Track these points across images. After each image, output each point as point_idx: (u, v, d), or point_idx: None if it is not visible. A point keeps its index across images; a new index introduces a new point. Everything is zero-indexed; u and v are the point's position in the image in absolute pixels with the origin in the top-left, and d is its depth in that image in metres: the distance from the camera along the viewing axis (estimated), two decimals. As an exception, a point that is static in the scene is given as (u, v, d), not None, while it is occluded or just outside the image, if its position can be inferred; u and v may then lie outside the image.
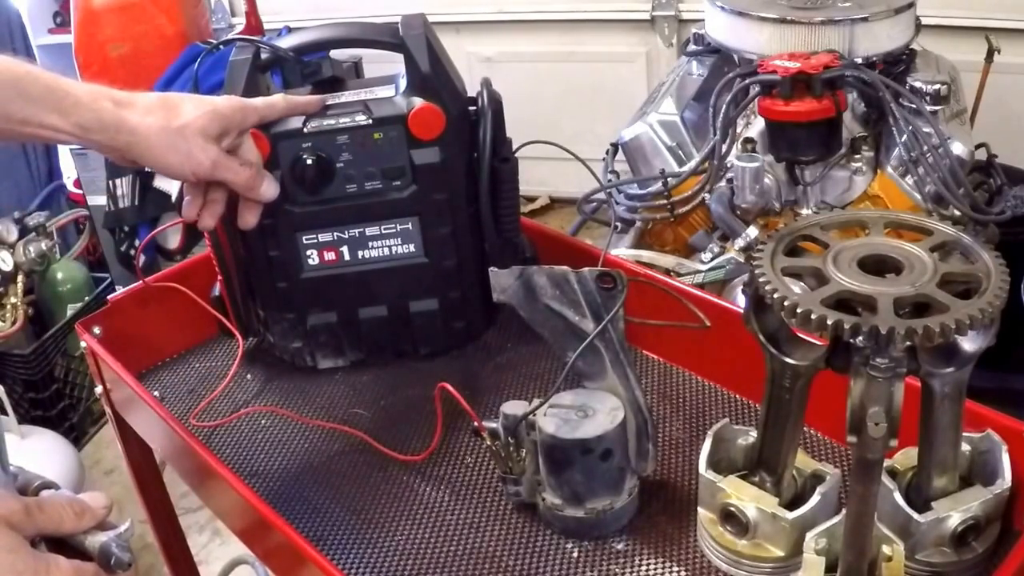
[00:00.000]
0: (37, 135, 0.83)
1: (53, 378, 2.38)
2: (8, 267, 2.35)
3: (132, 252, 2.54)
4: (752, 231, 1.75)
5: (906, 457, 0.78)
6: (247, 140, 0.95)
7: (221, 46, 1.12)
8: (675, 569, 0.81)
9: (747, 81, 1.70)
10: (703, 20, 2.03)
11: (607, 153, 2.14)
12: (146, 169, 2.56)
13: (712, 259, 1.80)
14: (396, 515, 0.90)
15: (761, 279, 0.65)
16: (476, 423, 0.85)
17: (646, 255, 1.83)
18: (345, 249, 1.06)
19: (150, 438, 1.12)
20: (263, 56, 1.04)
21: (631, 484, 0.85)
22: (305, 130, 1.01)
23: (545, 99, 3.09)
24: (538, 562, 0.83)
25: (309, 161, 1.01)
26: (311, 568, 0.78)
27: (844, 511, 0.67)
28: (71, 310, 2.45)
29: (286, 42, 1.06)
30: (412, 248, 1.06)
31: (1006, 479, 0.74)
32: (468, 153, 1.05)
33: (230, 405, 1.08)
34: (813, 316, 0.60)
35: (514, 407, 0.84)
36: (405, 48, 1.02)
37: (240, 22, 3.17)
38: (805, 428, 0.91)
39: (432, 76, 1.02)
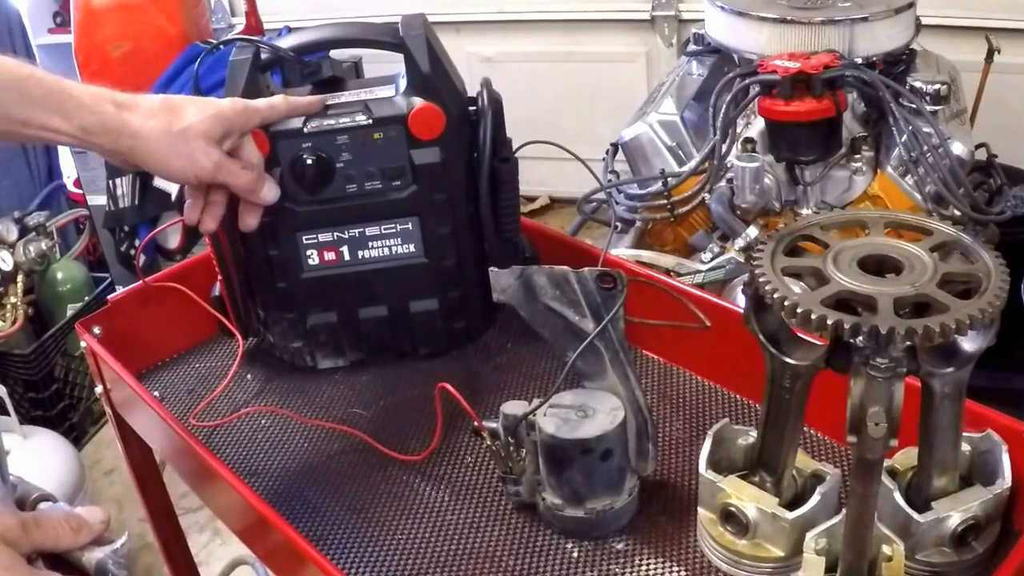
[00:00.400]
0: (39, 137, 0.83)
1: (53, 378, 2.38)
2: (8, 267, 2.35)
3: (132, 252, 2.54)
4: (752, 231, 1.75)
5: (906, 457, 0.78)
6: (248, 142, 0.95)
7: (221, 46, 1.12)
8: (675, 569, 0.81)
9: (747, 81, 1.70)
10: (703, 20, 2.03)
11: (607, 153, 2.14)
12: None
13: (712, 259, 1.80)
14: (396, 515, 0.90)
15: (761, 279, 0.65)
16: (476, 423, 0.85)
17: (646, 255, 1.83)
18: (345, 249, 1.06)
19: (150, 438, 1.12)
20: (263, 56, 1.04)
21: (631, 484, 0.85)
22: (305, 130, 1.01)
23: (545, 99, 3.09)
24: (538, 562, 0.83)
25: (309, 161, 1.01)
26: (311, 568, 0.78)
27: (844, 511, 0.67)
28: (71, 310, 2.45)
29: (286, 42, 1.06)
30: (412, 248, 1.06)
31: (1006, 479, 0.74)
32: (468, 153, 1.05)
33: (230, 405, 1.08)
34: (813, 316, 0.60)
35: (514, 407, 0.84)
36: (405, 48, 1.02)
37: (240, 22, 3.17)
38: (805, 428, 0.91)
39: (432, 76, 1.02)
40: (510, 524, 0.87)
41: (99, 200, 2.68)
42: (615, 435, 0.82)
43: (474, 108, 1.04)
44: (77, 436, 2.46)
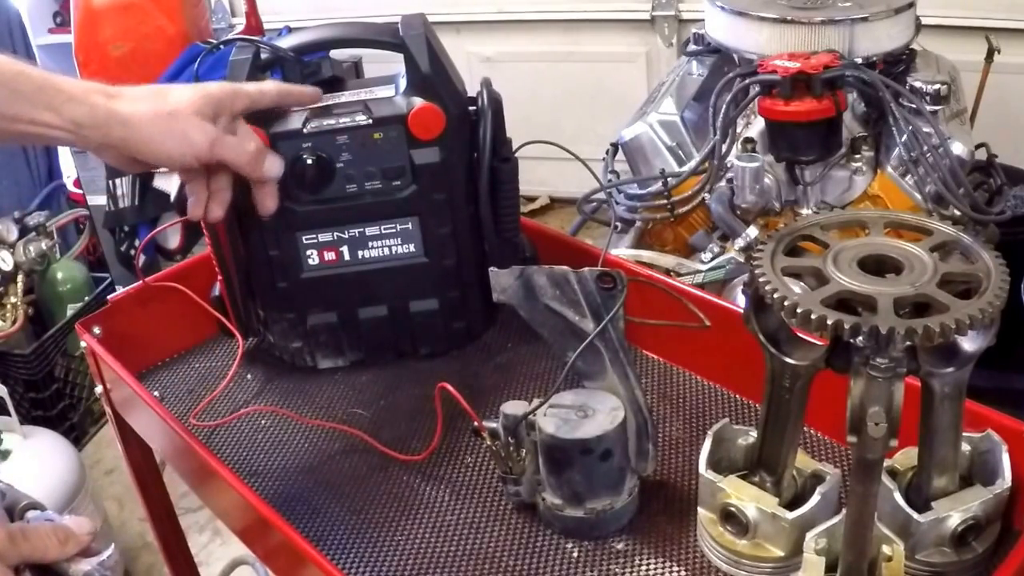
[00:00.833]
0: (28, 132, 0.81)
1: (53, 378, 2.38)
2: (8, 267, 2.35)
3: (132, 252, 2.54)
4: (752, 231, 1.75)
5: (906, 457, 0.78)
6: (242, 124, 0.94)
7: (221, 46, 1.12)
8: (675, 569, 0.81)
9: (747, 81, 1.70)
10: (703, 20, 2.03)
11: (607, 153, 2.14)
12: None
13: (712, 259, 1.80)
14: (396, 515, 0.90)
15: (761, 279, 0.65)
16: (476, 423, 0.85)
17: (646, 255, 1.83)
18: (345, 249, 1.06)
19: (150, 438, 1.12)
20: (263, 56, 1.04)
21: (631, 484, 0.85)
22: (305, 130, 1.01)
23: (545, 99, 3.09)
24: (538, 562, 0.83)
25: (309, 161, 1.01)
26: (311, 568, 0.78)
27: (844, 511, 0.67)
28: (71, 310, 2.45)
29: (286, 42, 1.06)
30: (412, 248, 1.06)
31: (1006, 479, 0.74)
32: (468, 153, 1.05)
33: (230, 405, 1.08)
34: (813, 316, 0.60)
35: (514, 407, 0.84)
36: (405, 48, 1.02)
37: (240, 22, 3.17)
38: (805, 428, 0.91)
39: (432, 76, 1.02)
40: (510, 524, 0.87)
41: (99, 200, 2.68)
42: (615, 435, 0.82)
43: (474, 108, 1.04)
44: (77, 436, 2.46)
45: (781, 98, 1.64)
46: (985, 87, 2.12)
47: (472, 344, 1.13)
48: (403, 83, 1.04)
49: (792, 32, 1.77)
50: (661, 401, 1.01)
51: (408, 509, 0.90)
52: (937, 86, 1.73)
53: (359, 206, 1.04)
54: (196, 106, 0.87)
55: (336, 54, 1.11)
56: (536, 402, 0.83)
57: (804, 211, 1.79)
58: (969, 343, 0.67)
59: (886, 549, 0.68)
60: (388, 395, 1.07)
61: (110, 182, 2.53)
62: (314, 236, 1.05)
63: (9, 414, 1.97)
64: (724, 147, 1.76)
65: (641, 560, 0.82)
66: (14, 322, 2.30)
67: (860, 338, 0.59)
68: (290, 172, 1.02)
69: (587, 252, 1.12)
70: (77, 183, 2.87)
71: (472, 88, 1.06)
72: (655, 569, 0.81)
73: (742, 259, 1.74)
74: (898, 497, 0.73)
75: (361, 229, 1.05)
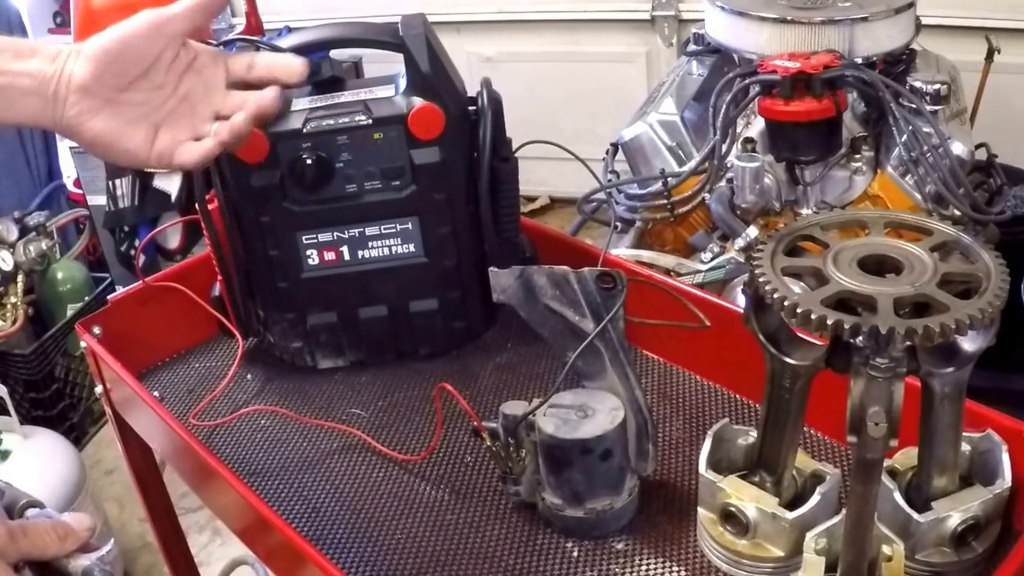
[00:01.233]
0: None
1: (53, 378, 2.38)
2: (8, 267, 2.35)
3: (132, 252, 2.54)
4: (752, 231, 1.75)
5: (906, 457, 0.78)
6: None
7: (221, 46, 1.11)
8: (675, 569, 0.81)
9: (747, 81, 1.70)
10: (703, 20, 2.03)
11: (607, 153, 2.14)
12: (146, 168, 2.55)
13: (712, 259, 1.80)
14: (396, 514, 0.90)
15: (761, 279, 0.65)
16: (476, 423, 0.85)
17: (646, 255, 1.83)
18: (345, 249, 1.06)
19: (150, 438, 1.12)
20: (263, 56, 1.04)
21: (631, 484, 0.85)
22: (305, 130, 1.01)
23: (545, 99, 3.09)
24: (538, 562, 0.83)
25: (309, 161, 1.01)
26: (311, 568, 0.78)
27: (844, 511, 0.67)
28: (71, 310, 2.45)
29: (286, 42, 1.06)
30: (412, 248, 1.06)
31: (1006, 479, 0.74)
32: (468, 153, 1.05)
33: (230, 405, 1.08)
34: (813, 316, 0.60)
35: (514, 407, 0.84)
36: (405, 48, 1.02)
37: (240, 22, 3.16)
38: (805, 428, 0.91)
39: (432, 76, 1.02)
40: (510, 524, 0.87)
41: (99, 200, 2.68)
42: (615, 435, 0.82)
43: (474, 108, 1.04)
44: (77, 436, 2.46)
45: (781, 98, 1.64)
46: (985, 87, 2.12)
47: (472, 344, 1.13)
48: (403, 83, 1.04)
49: (792, 32, 1.77)
50: (661, 401, 1.01)
51: (408, 509, 0.90)
52: (937, 86, 1.73)
53: (359, 206, 1.04)
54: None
55: (336, 54, 1.11)
56: (536, 402, 0.83)
57: (804, 211, 1.79)
58: (969, 343, 0.67)
59: (886, 549, 0.68)
60: (388, 395, 1.07)
61: (110, 182, 2.53)
62: (314, 236, 1.05)
63: (9, 414, 1.97)
64: (724, 147, 1.76)
65: (641, 560, 0.82)
66: (14, 322, 2.30)
67: (860, 338, 0.59)
68: (290, 172, 1.02)
69: (587, 252, 1.12)
70: (77, 183, 2.87)
71: (472, 88, 1.06)
72: (655, 569, 0.81)
73: (742, 259, 1.74)
74: (898, 497, 0.73)
75: (361, 229, 1.05)
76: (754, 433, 0.79)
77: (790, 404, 0.73)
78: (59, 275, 2.48)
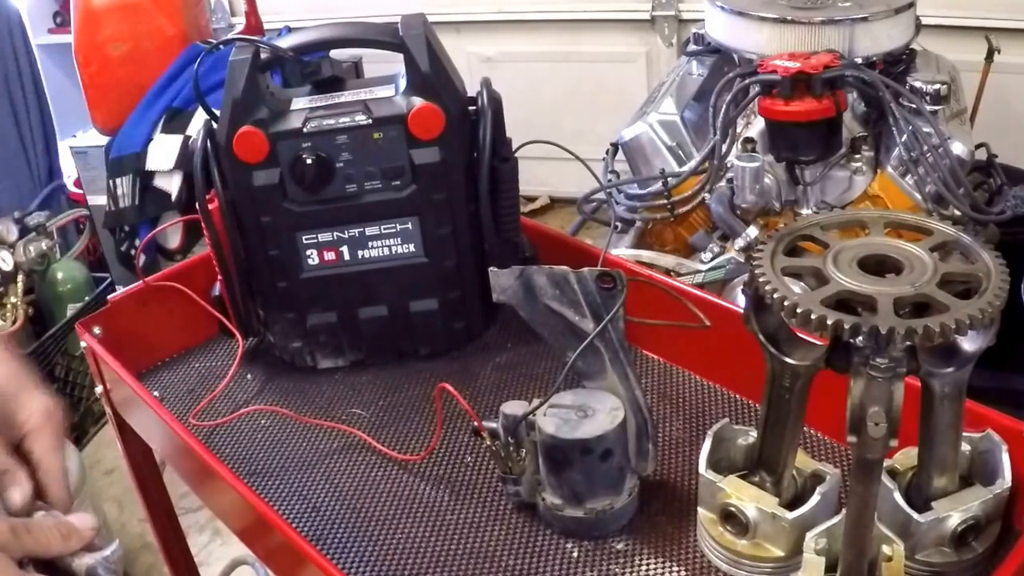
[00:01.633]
0: None
1: (54, 378, 2.38)
2: (8, 267, 2.35)
3: (132, 252, 2.54)
4: (752, 231, 1.75)
5: (906, 457, 0.78)
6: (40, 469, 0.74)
7: (221, 46, 1.11)
8: (675, 569, 0.81)
9: (747, 81, 1.70)
10: (703, 20, 2.03)
11: (607, 153, 2.14)
12: (146, 168, 2.56)
13: (712, 259, 1.80)
14: (396, 514, 0.90)
15: (761, 279, 0.65)
16: (476, 423, 0.85)
17: (646, 255, 1.83)
18: (345, 249, 1.06)
19: (150, 438, 1.12)
20: (263, 56, 1.04)
21: (631, 484, 0.85)
22: (305, 130, 1.01)
23: (545, 99, 3.09)
24: (538, 562, 0.83)
25: (309, 161, 1.01)
26: (311, 568, 0.78)
27: (844, 511, 0.67)
28: (71, 310, 2.45)
29: (286, 42, 1.06)
30: (412, 248, 1.06)
31: (1006, 479, 0.74)
32: (468, 153, 1.05)
33: (230, 405, 1.08)
34: (813, 316, 0.60)
35: (514, 407, 0.84)
36: (405, 48, 1.02)
37: (240, 22, 3.17)
38: (805, 428, 0.91)
39: (432, 76, 1.02)
40: (510, 524, 0.87)
41: (99, 200, 2.69)
42: (615, 435, 0.82)
43: (474, 108, 1.04)
44: (77, 436, 2.46)
45: (781, 98, 1.64)
46: (985, 87, 2.12)
47: (472, 344, 1.13)
48: (403, 83, 1.04)
49: (792, 32, 1.77)
50: (661, 401, 1.01)
51: (408, 509, 0.90)
52: (937, 86, 1.73)
53: (359, 206, 1.04)
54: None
55: (336, 54, 1.11)
56: (536, 402, 0.83)
57: (804, 211, 1.79)
58: (969, 343, 0.67)
59: (886, 549, 0.68)
60: (388, 395, 1.07)
61: (110, 182, 2.53)
62: (314, 236, 1.05)
63: (9, 414, 1.97)
64: (724, 147, 1.76)
65: (641, 560, 0.82)
66: (14, 322, 2.30)
67: (860, 338, 0.59)
68: (290, 172, 1.02)
69: (587, 252, 1.12)
70: (77, 183, 2.87)
71: (472, 88, 1.06)
72: (655, 569, 0.81)
73: (742, 259, 1.74)
74: (898, 497, 0.73)
75: (361, 229, 1.05)
76: (754, 433, 0.79)
77: (790, 404, 0.73)
78: (59, 275, 2.48)
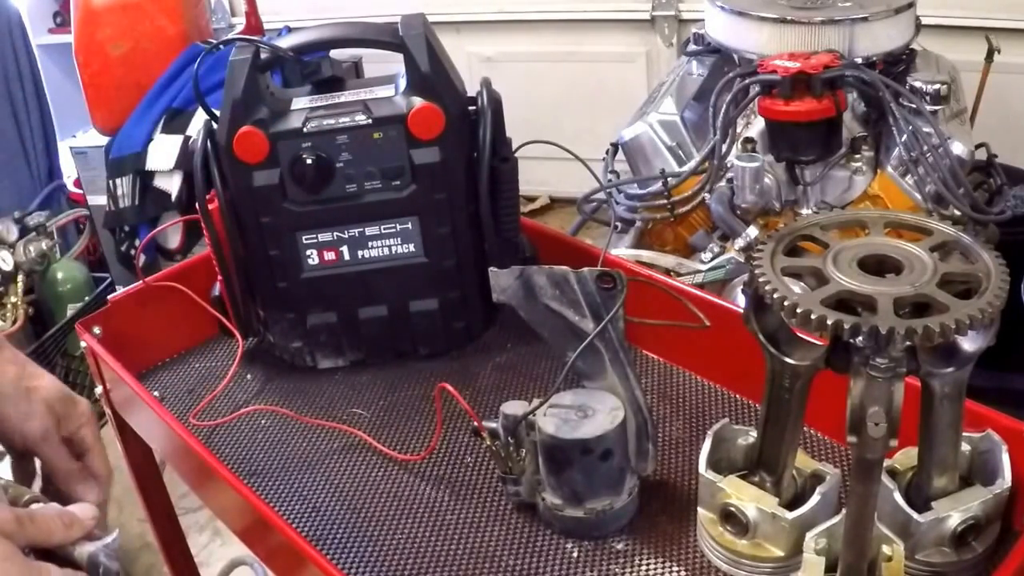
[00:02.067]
0: None
1: (53, 378, 2.38)
2: (8, 267, 2.35)
3: (132, 252, 2.54)
4: (752, 231, 1.75)
5: (906, 457, 0.78)
6: (84, 440, 0.85)
7: (221, 46, 1.11)
8: (675, 569, 0.81)
9: (747, 81, 1.70)
10: (703, 20, 2.03)
11: (607, 153, 2.14)
12: (147, 168, 2.56)
13: (712, 259, 1.80)
14: (396, 514, 0.90)
15: (761, 279, 0.65)
16: (476, 423, 0.85)
17: (646, 255, 1.83)
18: (345, 249, 1.06)
19: (150, 438, 1.12)
20: (263, 56, 1.04)
21: (631, 484, 0.85)
22: (305, 130, 1.01)
23: (545, 99, 3.09)
24: (538, 562, 0.83)
25: (309, 161, 1.01)
26: (311, 568, 0.78)
27: (844, 511, 0.67)
28: (71, 310, 2.45)
29: (286, 42, 1.06)
30: (412, 248, 1.06)
31: (1006, 479, 0.74)
32: (468, 153, 1.05)
33: (230, 405, 1.08)
34: (813, 316, 0.60)
35: (514, 407, 0.84)
36: (405, 48, 1.02)
37: (240, 22, 3.17)
38: (805, 428, 0.91)
39: (432, 76, 1.02)
40: (510, 524, 0.87)
41: (99, 200, 2.68)
42: (615, 435, 0.82)
43: (474, 108, 1.04)
44: (77, 436, 2.45)
45: (781, 98, 1.64)
46: (985, 87, 2.12)
47: (472, 344, 1.13)
48: (403, 83, 1.04)
49: (792, 32, 1.77)
50: (661, 401, 1.01)
51: (408, 509, 0.90)
52: (937, 86, 1.73)
53: (359, 206, 1.04)
54: (52, 398, 0.83)
55: (336, 54, 1.11)
56: (536, 402, 0.83)
57: (804, 211, 1.79)
58: (969, 343, 0.67)
59: (886, 549, 0.68)
60: (388, 395, 1.07)
61: (110, 182, 2.53)
62: (314, 236, 1.05)
63: (9, 414, 1.97)
64: (724, 147, 1.76)
65: (641, 560, 0.82)
66: (14, 322, 2.31)
67: (860, 338, 0.59)
68: (290, 172, 1.02)
69: (587, 252, 1.12)
70: (77, 183, 2.87)
71: (472, 88, 1.06)
72: (655, 569, 0.81)
73: (742, 259, 1.74)
74: (898, 497, 0.73)
75: (361, 229, 1.05)
76: (754, 433, 0.79)
77: (790, 404, 0.73)
78: (59, 275, 2.48)
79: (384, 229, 1.05)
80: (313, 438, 1.01)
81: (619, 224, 1.94)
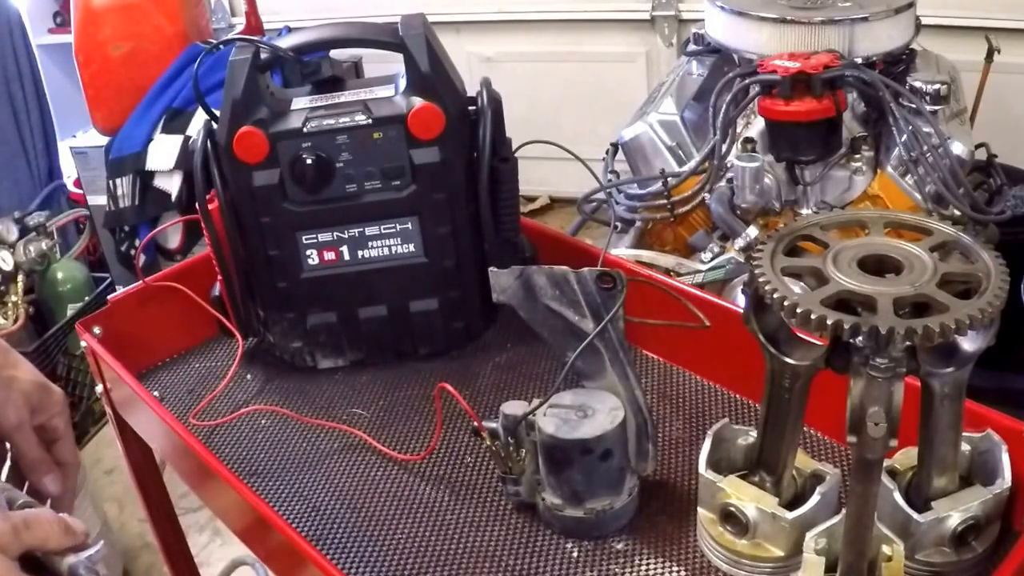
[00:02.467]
0: None
1: (54, 377, 2.38)
2: (8, 267, 2.35)
3: (132, 252, 2.54)
4: (752, 231, 1.75)
5: (906, 457, 0.78)
6: (63, 440, 0.86)
7: (221, 46, 1.12)
8: (675, 569, 0.81)
9: (747, 81, 1.70)
10: (703, 20, 2.03)
11: (607, 153, 2.14)
12: (147, 168, 2.56)
13: (712, 259, 1.80)
14: (396, 514, 0.90)
15: (761, 279, 0.65)
16: (476, 423, 0.85)
17: (646, 255, 1.83)
18: (345, 249, 1.06)
19: (150, 438, 1.12)
20: (263, 56, 1.04)
21: (631, 484, 0.85)
22: (305, 130, 1.01)
23: (545, 99, 3.09)
24: (538, 562, 0.83)
25: (309, 161, 1.01)
26: (311, 568, 0.78)
27: (844, 511, 0.67)
28: (71, 310, 2.45)
29: (286, 42, 1.06)
30: (412, 248, 1.06)
31: (1006, 479, 0.74)
32: (468, 153, 1.05)
33: (230, 405, 1.08)
34: (813, 316, 0.60)
35: (514, 407, 0.84)
36: (405, 48, 1.02)
37: (240, 22, 3.17)
38: (805, 428, 0.91)
39: (432, 76, 1.02)
40: (510, 524, 0.87)
41: (99, 200, 2.68)
42: (615, 435, 0.82)
43: (474, 108, 1.04)
44: (78, 436, 2.46)
45: (781, 98, 1.64)
46: (985, 87, 2.12)
47: (472, 344, 1.13)
48: (403, 83, 1.04)
49: (792, 32, 1.77)
50: (661, 401, 1.02)
51: (408, 509, 0.90)
52: (937, 86, 1.73)
53: (359, 206, 1.04)
54: (29, 390, 0.84)
55: (336, 54, 1.11)
56: (536, 402, 0.83)
57: (804, 211, 1.79)
58: (969, 343, 0.67)
59: (886, 549, 0.68)
60: (388, 395, 1.07)
61: (110, 182, 2.53)
62: (314, 236, 1.05)
63: (9, 414, 1.97)
64: (724, 147, 1.76)
65: (641, 560, 0.82)
66: (15, 321, 2.30)
67: (860, 338, 0.59)
68: (290, 172, 1.02)
69: (587, 252, 1.12)
70: (77, 183, 2.87)
71: (472, 88, 1.06)
72: (655, 569, 0.81)
73: (742, 259, 1.74)
74: (898, 497, 0.73)
75: (361, 229, 1.05)
76: (754, 433, 0.79)
77: (790, 404, 0.73)
78: (59, 275, 2.48)
79: (384, 229, 1.05)
80: (313, 438, 1.01)
81: (619, 224, 1.94)
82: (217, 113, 1.04)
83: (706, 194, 1.80)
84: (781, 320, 0.68)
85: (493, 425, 0.85)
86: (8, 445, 0.83)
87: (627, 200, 1.90)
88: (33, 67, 2.84)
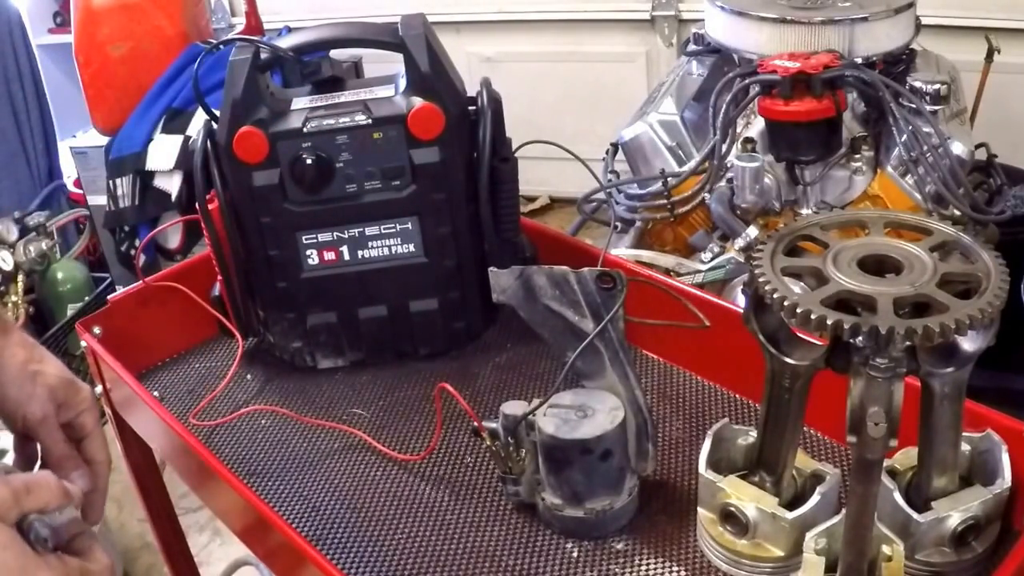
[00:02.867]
0: None
1: (54, 377, 2.38)
2: (8, 267, 2.35)
3: (132, 252, 2.54)
4: (752, 231, 1.75)
5: (906, 457, 0.78)
6: (91, 437, 0.85)
7: (221, 46, 1.12)
8: (675, 569, 0.81)
9: (747, 81, 1.70)
10: (703, 20, 2.03)
11: (607, 153, 2.14)
12: (147, 168, 2.56)
13: (712, 259, 1.80)
14: (396, 514, 0.90)
15: (761, 279, 0.65)
16: (476, 423, 0.85)
17: (646, 255, 1.83)
18: (345, 249, 1.06)
19: (150, 438, 1.12)
20: (263, 56, 1.04)
21: (631, 484, 0.85)
22: (305, 130, 1.01)
23: (545, 99, 3.09)
24: (538, 562, 0.83)
25: (309, 161, 1.01)
26: (311, 568, 0.78)
27: (844, 511, 0.67)
28: (71, 310, 2.45)
29: (286, 42, 1.06)
30: (412, 248, 1.06)
31: (1006, 479, 0.74)
32: (468, 153, 1.05)
33: (230, 405, 1.08)
34: (813, 316, 0.60)
35: (514, 407, 0.84)
36: (405, 48, 1.02)
37: (240, 22, 3.17)
38: (805, 428, 0.91)
39: (432, 76, 1.02)
40: (510, 524, 0.87)
41: (99, 200, 2.69)
42: (615, 435, 0.82)
43: (474, 108, 1.04)
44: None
45: (781, 98, 1.64)
46: (985, 87, 2.12)
47: (472, 344, 1.13)
48: (403, 83, 1.04)
49: (792, 32, 1.77)
50: (661, 401, 1.02)
51: (408, 509, 0.90)
52: (937, 86, 1.73)
53: (359, 206, 1.04)
54: (54, 385, 0.83)
55: (336, 54, 1.11)
56: (536, 402, 0.83)
57: (804, 211, 1.79)
58: (969, 343, 0.67)
59: (886, 549, 0.68)
60: (388, 395, 1.07)
61: (110, 182, 2.53)
62: (314, 236, 1.05)
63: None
64: (724, 147, 1.76)
65: (641, 560, 0.82)
66: (15, 321, 2.30)
67: (860, 338, 0.59)
68: (290, 172, 1.02)
69: (587, 252, 1.12)
70: (77, 183, 2.87)
71: (472, 88, 1.06)
72: (655, 569, 0.81)
73: (742, 259, 1.74)
74: (898, 497, 0.73)
75: (361, 229, 1.05)
76: (754, 433, 0.79)
77: (790, 404, 0.73)
78: (59, 275, 2.49)
79: (384, 229, 1.05)
80: (313, 438, 1.01)
81: (619, 224, 1.94)
82: (217, 113, 1.04)
83: (706, 194, 1.80)
84: (781, 320, 0.68)
85: (493, 425, 0.85)
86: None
87: (627, 200, 1.90)
88: (33, 67, 2.84)
